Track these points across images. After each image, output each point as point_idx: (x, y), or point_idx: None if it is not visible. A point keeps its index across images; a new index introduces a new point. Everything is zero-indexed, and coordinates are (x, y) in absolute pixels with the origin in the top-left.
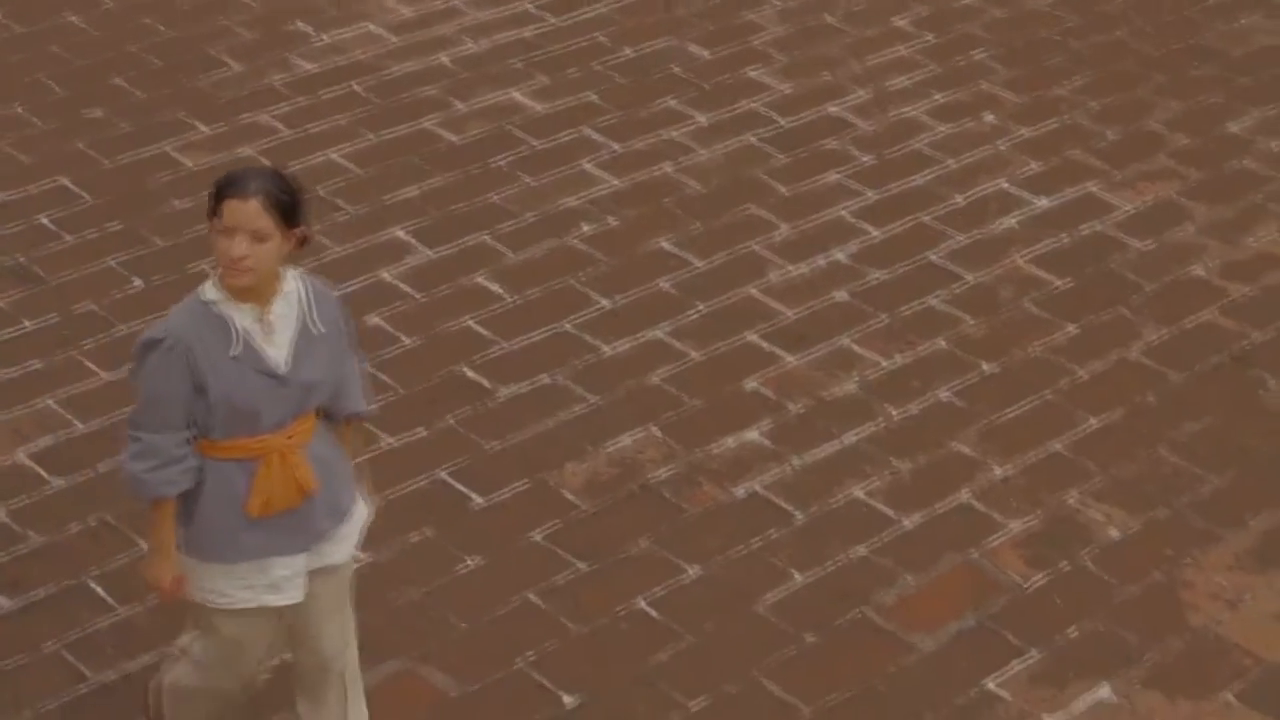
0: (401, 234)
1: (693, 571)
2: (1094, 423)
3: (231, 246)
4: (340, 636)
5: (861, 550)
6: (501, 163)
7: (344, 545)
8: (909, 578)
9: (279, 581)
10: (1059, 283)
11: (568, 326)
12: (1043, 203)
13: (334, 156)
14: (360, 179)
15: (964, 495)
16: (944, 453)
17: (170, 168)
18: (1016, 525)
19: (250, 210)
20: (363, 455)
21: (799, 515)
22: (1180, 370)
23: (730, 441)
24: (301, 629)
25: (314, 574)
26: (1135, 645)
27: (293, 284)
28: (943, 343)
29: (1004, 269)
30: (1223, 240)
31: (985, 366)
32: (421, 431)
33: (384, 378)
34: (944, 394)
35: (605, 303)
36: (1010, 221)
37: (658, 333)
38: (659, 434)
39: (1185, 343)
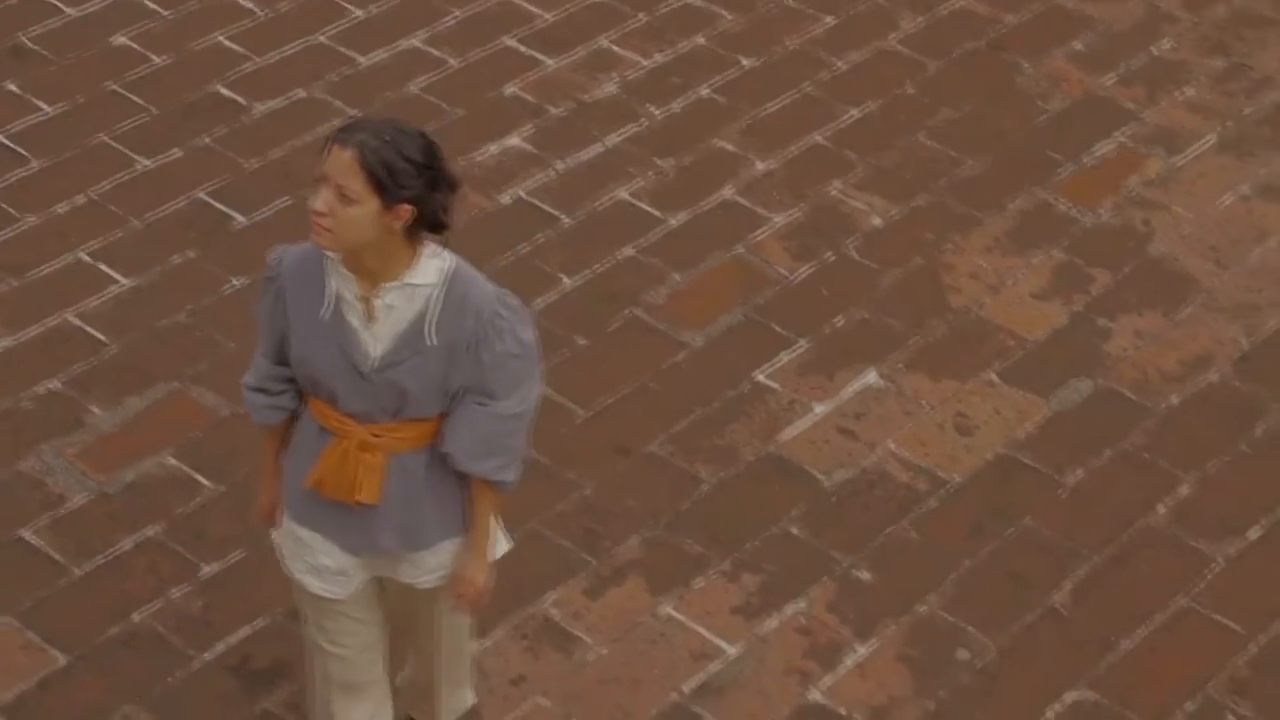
0: None
1: None
2: (854, 113)
3: (314, 197)
4: (429, 664)
5: (629, 250)
6: None
7: (420, 573)
8: (676, 275)
9: (320, 569)
10: None
11: (322, 38)
12: None
13: None
14: None
15: (728, 191)
16: (706, 149)
17: None
18: (780, 218)
19: (342, 162)
20: (482, 520)
21: (565, 219)
22: (937, 58)
23: (493, 148)
24: (394, 627)
25: (391, 582)
26: (900, 330)
27: (429, 277)
28: (701, 40)
29: None
30: None
31: (745, 62)
32: (177, 153)
33: (135, 99)
34: (705, 91)
35: (359, 12)
36: None
37: (414, 41)
38: None
39: (941, 30)
